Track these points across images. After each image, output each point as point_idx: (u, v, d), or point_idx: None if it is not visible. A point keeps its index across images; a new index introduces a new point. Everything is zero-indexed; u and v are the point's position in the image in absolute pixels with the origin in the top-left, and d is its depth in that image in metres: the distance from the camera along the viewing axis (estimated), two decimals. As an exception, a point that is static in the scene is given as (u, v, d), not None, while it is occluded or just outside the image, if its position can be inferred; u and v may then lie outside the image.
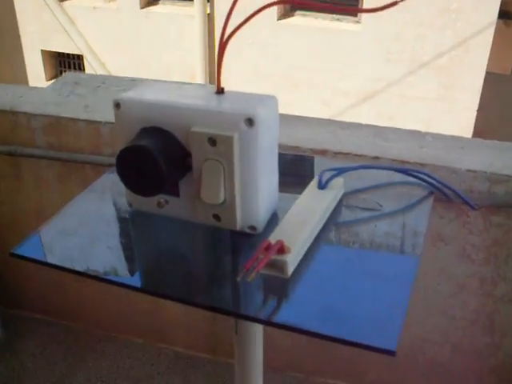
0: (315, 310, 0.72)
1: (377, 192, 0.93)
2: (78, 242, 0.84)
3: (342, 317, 0.71)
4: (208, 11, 4.50)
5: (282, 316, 0.71)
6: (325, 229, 0.82)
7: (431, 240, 1.71)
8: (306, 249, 0.78)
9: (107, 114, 1.87)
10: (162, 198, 0.82)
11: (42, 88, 2.26)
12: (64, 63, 5.61)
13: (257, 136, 0.75)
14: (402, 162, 1.62)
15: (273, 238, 0.76)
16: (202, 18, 4.41)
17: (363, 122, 1.84)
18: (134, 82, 2.22)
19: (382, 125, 1.81)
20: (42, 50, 5.48)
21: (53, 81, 2.28)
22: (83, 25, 5.16)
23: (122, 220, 0.89)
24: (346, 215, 0.89)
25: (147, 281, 0.77)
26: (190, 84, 0.85)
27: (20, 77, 5.51)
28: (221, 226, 0.80)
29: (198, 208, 0.80)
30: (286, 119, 1.84)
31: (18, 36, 5.50)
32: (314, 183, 0.87)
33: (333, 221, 0.84)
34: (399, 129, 1.81)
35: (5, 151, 1.96)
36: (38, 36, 5.41)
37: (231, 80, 4.69)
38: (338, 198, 0.88)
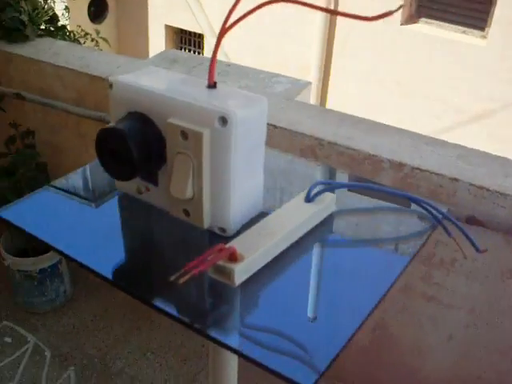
0: (247, 325, 0.68)
1: (375, 215, 0.87)
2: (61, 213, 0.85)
3: (270, 340, 0.66)
4: (332, 7, 4.42)
5: (211, 323, 0.68)
6: (298, 244, 0.78)
7: (500, 275, 1.61)
8: (266, 261, 0.73)
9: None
10: (142, 184, 0.81)
11: (141, 60, 2.32)
12: (185, 40, 5.70)
13: (230, 136, 0.71)
14: (481, 187, 1.52)
15: (231, 244, 0.72)
16: (325, 14, 4.33)
17: (472, 141, 1.74)
18: (229, 67, 2.23)
19: (491, 147, 1.71)
20: (165, 25, 5.59)
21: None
22: (208, 4, 5.21)
23: (106, 199, 0.89)
24: (326, 235, 0.83)
25: (93, 260, 0.76)
26: (194, 77, 0.82)
27: (142, 49, 5.67)
28: (189, 221, 0.78)
29: (170, 200, 0.78)
30: (371, 126, 1.79)
31: (146, 8, 5.64)
32: (302, 194, 0.82)
33: (310, 238, 0.79)
34: (486, 153, 1.71)
35: (96, 117, 2.03)
36: (164, 10, 5.52)
37: (343, 80, 4.61)
38: (325, 215, 0.82)
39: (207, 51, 5.25)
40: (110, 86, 0.80)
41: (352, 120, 1.89)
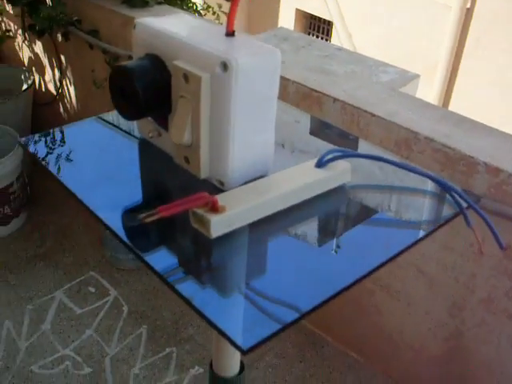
0: (211, 278, 0.64)
1: (395, 193, 0.80)
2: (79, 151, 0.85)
3: (223, 298, 0.62)
4: (468, 5, 4.16)
5: (174, 270, 0.65)
6: (297, 209, 0.72)
7: None
8: (253, 219, 0.69)
9: (298, 75, 1.88)
10: (155, 128, 0.79)
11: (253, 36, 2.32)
12: (314, 26, 5.58)
13: (231, 82, 0.67)
14: None
15: (219, 196, 0.68)
16: (460, 12, 4.09)
17: None
18: (339, 51, 2.17)
19: None
20: (296, 9, 5.51)
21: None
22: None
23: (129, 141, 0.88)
24: (331, 205, 0.77)
25: (88, 195, 0.74)
26: (219, 26, 0.79)
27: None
28: (189, 170, 0.75)
29: (174, 146, 0.75)
30: (473, 126, 1.67)
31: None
32: (315, 160, 0.77)
33: (313, 204, 0.73)
34: None
35: None
36: (296, -6, 5.45)
37: (470, 83, 4.32)
38: (336, 184, 0.76)
39: (335, 39, 5.13)
40: (134, 26, 0.78)
41: (454, 118, 1.77)
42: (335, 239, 0.72)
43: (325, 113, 1.87)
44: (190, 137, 0.71)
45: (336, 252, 0.69)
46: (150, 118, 0.79)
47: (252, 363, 2.00)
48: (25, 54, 2.74)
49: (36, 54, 2.63)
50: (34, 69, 2.66)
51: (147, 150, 0.82)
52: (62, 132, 0.88)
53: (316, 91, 1.90)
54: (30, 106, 2.53)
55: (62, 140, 0.87)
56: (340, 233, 0.73)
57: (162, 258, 0.66)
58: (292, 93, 1.93)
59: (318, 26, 5.59)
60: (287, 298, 0.61)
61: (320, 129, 1.02)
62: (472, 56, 4.34)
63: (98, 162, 0.82)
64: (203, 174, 0.73)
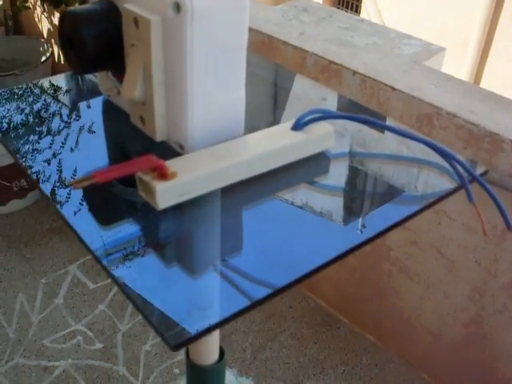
0: (148, 259, 0.53)
1: (388, 163, 0.67)
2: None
3: (160, 282, 0.51)
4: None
5: (107, 245, 0.53)
6: (267, 178, 0.60)
7: None
8: (211, 188, 0.57)
9: (317, 46, 1.75)
10: (113, 85, 0.68)
11: (270, 7, 2.19)
12: (343, 2, 5.35)
13: (185, 26, 0.55)
14: None
15: (171, 160, 0.57)
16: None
17: None
18: (361, 22, 2.02)
19: None
20: None
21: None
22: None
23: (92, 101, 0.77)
24: (308, 174, 0.64)
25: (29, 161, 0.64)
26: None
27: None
28: (145, 131, 0.63)
29: (130, 104, 0.64)
30: (501, 102, 1.52)
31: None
32: (292, 122, 0.64)
33: (286, 173, 0.61)
34: None
35: None
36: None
37: (502, 62, 4.10)
38: (315, 150, 0.63)
39: (364, 15, 4.90)
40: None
41: (480, 93, 1.62)
42: (311, 214, 0.60)
43: (344, 86, 1.73)
44: (143, 92, 0.59)
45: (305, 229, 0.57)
46: (109, 74, 0.67)
47: (265, 343, 1.90)
48: (44, 26, 2.66)
49: (55, 26, 2.54)
50: (52, 41, 2.58)
51: (108, 111, 0.71)
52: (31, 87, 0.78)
53: (335, 63, 1.76)
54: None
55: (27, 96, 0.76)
56: (318, 206, 0.61)
57: (96, 231, 0.55)
58: (310, 65, 1.80)
59: (346, 2, 5.36)
60: (241, 284, 0.50)
61: (347, 108, 0.89)
62: (505, 34, 4.11)
63: (55, 123, 0.71)
64: (159, 135, 0.62)
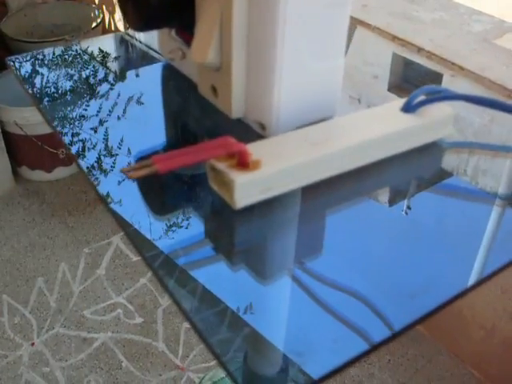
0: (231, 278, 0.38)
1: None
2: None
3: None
4: None
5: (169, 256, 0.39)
6: (373, 171, 0.45)
7: None
8: (303, 184, 0.42)
9: (380, 20, 1.59)
10: (177, 47, 0.52)
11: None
12: None
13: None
14: None
15: (254, 146, 0.42)
16: None
17: None
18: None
19: None
20: None
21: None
22: None
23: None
24: (425, 168, 0.48)
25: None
26: None
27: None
28: (217, 105, 0.48)
29: (199, 70, 0.49)
30: None
31: None
32: (402, 101, 0.48)
33: (397, 166, 0.46)
34: None
35: None
36: None
37: None
38: (432, 138, 0.48)
39: None
40: None
41: (557, 75, 1.43)
42: (430, 224, 0.45)
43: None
44: (218, 55, 0.44)
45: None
46: (173, 32, 0.52)
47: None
48: (95, -9, 2.53)
49: (106, -9, 2.41)
50: (104, 7, 2.45)
51: (169, 78, 0.56)
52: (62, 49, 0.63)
53: (399, 39, 1.58)
54: (100, 46, 2.31)
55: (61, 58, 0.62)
56: (436, 216, 0.46)
57: (159, 234, 0.40)
58: (372, 40, 1.62)
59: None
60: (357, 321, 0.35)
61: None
62: None
63: (103, 90, 0.56)
64: (236, 111, 0.46)
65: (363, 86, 0.70)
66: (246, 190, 0.39)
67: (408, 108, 0.47)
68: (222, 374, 1.35)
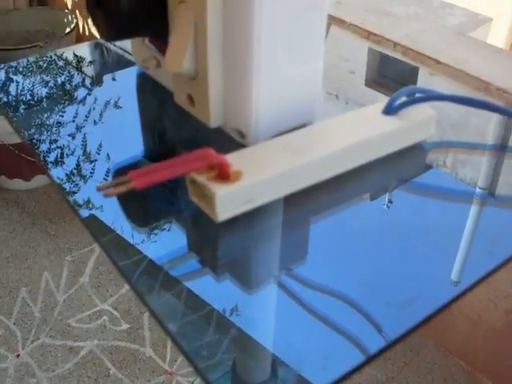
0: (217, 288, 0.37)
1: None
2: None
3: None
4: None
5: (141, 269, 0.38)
6: (355, 177, 0.44)
7: None
8: (284, 193, 0.41)
9: (355, 16, 1.58)
10: (152, 55, 0.51)
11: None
12: None
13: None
14: None
15: (233, 156, 0.41)
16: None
17: None
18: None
19: None
20: None
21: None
22: None
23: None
24: (408, 172, 0.48)
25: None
26: None
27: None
28: (195, 114, 0.47)
29: (174, 79, 0.47)
30: None
31: None
32: (382, 104, 0.48)
33: (379, 172, 0.45)
34: None
35: None
36: None
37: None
38: (413, 140, 0.47)
39: None
40: None
41: (532, 66, 1.43)
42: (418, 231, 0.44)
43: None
44: (193, 64, 0.43)
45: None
46: (146, 41, 0.51)
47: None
48: (68, -3, 2.49)
49: (80, -3, 2.38)
50: (77, 12, 2.41)
51: (144, 87, 0.54)
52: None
53: (375, 35, 1.57)
54: (76, 52, 2.27)
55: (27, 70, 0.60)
56: (423, 219, 0.45)
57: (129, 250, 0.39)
58: (348, 37, 1.61)
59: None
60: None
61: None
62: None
63: (76, 100, 0.55)
64: (214, 120, 0.45)
65: (340, 82, 0.70)
66: (227, 202, 0.38)
67: (389, 110, 0.46)
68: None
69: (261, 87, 0.42)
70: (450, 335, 1.66)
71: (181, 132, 0.48)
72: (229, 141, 0.46)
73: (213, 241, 0.39)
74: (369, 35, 1.54)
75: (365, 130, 0.44)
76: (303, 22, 0.43)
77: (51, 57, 0.62)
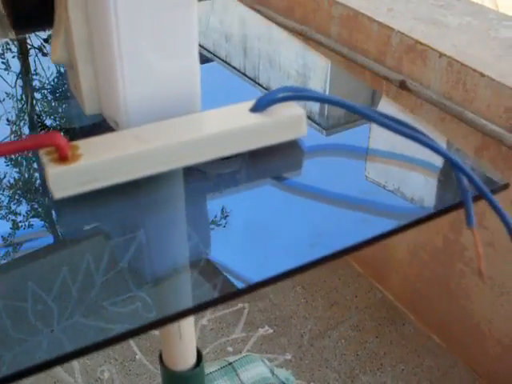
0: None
1: (387, 163, 0.51)
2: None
3: None
4: None
5: None
6: (202, 171, 0.46)
7: None
8: (125, 178, 0.45)
9: (404, 24, 1.57)
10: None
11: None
12: None
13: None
14: None
15: (84, 143, 0.45)
16: None
17: None
18: (458, 1, 1.78)
19: None
20: None
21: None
22: None
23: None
24: (268, 168, 0.49)
25: None
26: None
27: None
28: (79, 103, 0.51)
29: (67, 70, 0.52)
30: None
31: None
32: (253, 102, 0.50)
33: (238, 166, 0.47)
34: None
35: (298, 29, 1.83)
36: None
37: None
38: (282, 139, 0.48)
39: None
40: None
41: None
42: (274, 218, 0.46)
43: (429, 69, 1.52)
44: (65, 55, 0.47)
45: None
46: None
47: (325, 331, 1.76)
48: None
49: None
50: None
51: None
52: None
53: (421, 44, 1.55)
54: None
55: None
56: (271, 213, 0.47)
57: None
58: (395, 44, 1.60)
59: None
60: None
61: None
62: None
63: None
64: (89, 108, 0.49)
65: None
66: (62, 181, 0.42)
67: (257, 108, 0.48)
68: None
69: (126, 80, 0.46)
70: (481, 358, 1.61)
71: (67, 118, 0.53)
72: (109, 129, 0.50)
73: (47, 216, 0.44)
74: (415, 44, 1.52)
75: (222, 124, 0.46)
76: (171, 19, 0.46)
77: None
